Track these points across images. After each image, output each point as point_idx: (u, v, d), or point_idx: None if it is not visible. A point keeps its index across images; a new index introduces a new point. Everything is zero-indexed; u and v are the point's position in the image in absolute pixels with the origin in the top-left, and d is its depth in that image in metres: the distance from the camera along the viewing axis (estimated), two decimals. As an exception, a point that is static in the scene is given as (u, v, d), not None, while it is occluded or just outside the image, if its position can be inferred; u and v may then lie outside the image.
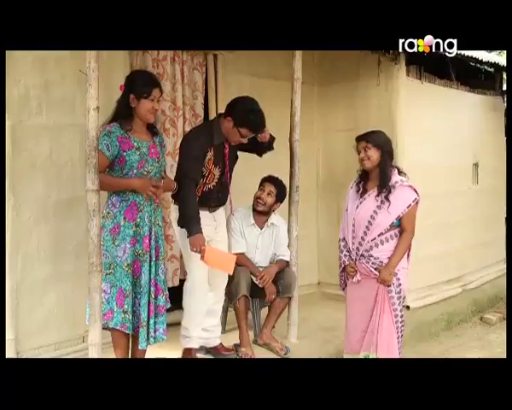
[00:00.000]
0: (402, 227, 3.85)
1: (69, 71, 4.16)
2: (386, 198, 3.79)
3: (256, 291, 4.42)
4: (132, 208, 3.41)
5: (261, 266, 4.54)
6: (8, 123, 3.78)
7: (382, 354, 3.84)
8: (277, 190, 4.54)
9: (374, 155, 3.83)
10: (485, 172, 7.28)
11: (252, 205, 4.59)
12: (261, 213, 4.56)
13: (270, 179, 4.60)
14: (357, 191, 3.99)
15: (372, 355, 3.88)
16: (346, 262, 4.01)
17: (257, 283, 4.39)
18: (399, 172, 3.94)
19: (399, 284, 3.87)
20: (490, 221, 7.52)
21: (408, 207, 3.81)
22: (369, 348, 3.90)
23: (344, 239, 4.06)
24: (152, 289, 3.48)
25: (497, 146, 7.64)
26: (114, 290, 3.38)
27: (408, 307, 5.70)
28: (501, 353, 5.13)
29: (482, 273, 7.19)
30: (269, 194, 4.51)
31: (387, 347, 3.85)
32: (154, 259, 3.50)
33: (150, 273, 3.47)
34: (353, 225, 3.96)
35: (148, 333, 3.45)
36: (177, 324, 4.69)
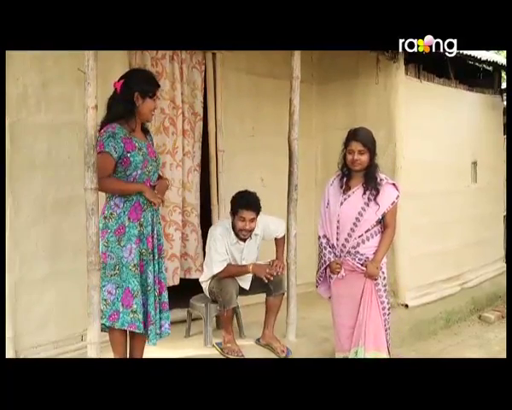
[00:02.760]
0: (385, 224, 3.94)
1: (68, 69, 4.15)
2: (374, 196, 3.87)
3: (241, 291, 4.46)
4: (136, 208, 3.40)
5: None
6: (6, 121, 3.77)
7: (370, 346, 3.88)
8: (256, 211, 4.33)
9: (366, 159, 3.90)
10: (483, 170, 7.29)
11: (231, 224, 4.40)
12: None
13: (246, 206, 4.28)
14: (340, 187, 4.01)
15: (361, 349, 3.91)
16: (332, 259, 4.03)
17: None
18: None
19: (384, 278, 3.98)
20: (489, 219, 7.54)
21: (392, 204, 3.91)
22: (359, 342, 3.93)
23: (325, 236, 4.09)
24: (156, 286, 3.51)
25: (495, 145, 7.67)
26: (120, 291, 3.37)
27: (406, 306, 5.72)
28: (499, 351, 5.14)
29: (481, 272, 7.20)
30: (251, 221, 4.31)
31: (375, 338, 3.89)
32: (156, 257, 3.53)
33: (154, 272, 3.50)
34: (338, 222, 3.99)
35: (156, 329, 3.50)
36: (177, 322, 4.72)
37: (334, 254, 4.02)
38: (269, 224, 4.58)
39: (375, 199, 3.86)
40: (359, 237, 3.91)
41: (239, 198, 4.36)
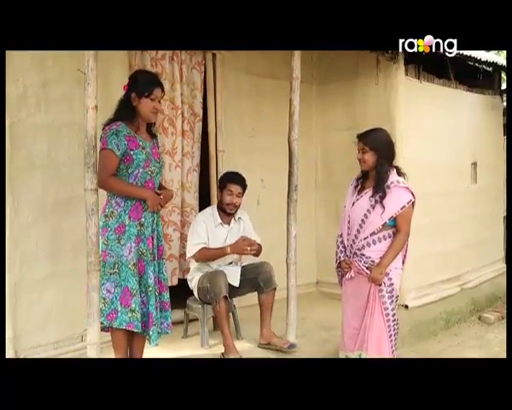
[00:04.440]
0: (397, 228, 3.84)
1: (68, 69, 4.15)
2: (380, 199, 3.79)
3: (232, 291, 4.40)
4: (137, 208, 3.41)
5: (233, 261, 4.57)
6: (6, 121, 3.77)
7: (373, 353, 3.85)
8: (243, 187, 4.54)
9: (370, 158, 3.85)
10: (483, 171, 7.28)
11: (217, 206, 4.60)
12: (223, 211, 4.56)
13: (233, 180, 4.52)
14: (356, 187, 4.02)
15: (364, 354, 3.90)
16: (342, 258, 4.03)
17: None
18: (399, 173, 3.93)
19: (391, 284, 3.87)
20: (488, 220, 7.53)
21: (402, 208, 3.80)
22: (363, 346, 3.92)
23: (341, 235, 4.07)
24: (156, 286, 3.51)
25: (495, 145, 7.67)
26: (119, 290, 3.37)
27: (406, 307, 5.72)
28: (499, 352, 5.14)
29: (481, 272, 7.19)
30: (238, 196, 4.49)
31: (377, 346, 3.87)
32: (157, 258, 3.53)
33: (155, 272, 3.50)
34: (349, 222, 3.98)
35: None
36: (176, 323, 4.71)
37: (345, 253, 4.01)
38: (250, 225, 4.70)
39: (381, 202, 3.78)
40: (364, 239, 3.86)
41: (227, 174, 4.60)
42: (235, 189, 4.47)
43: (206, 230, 4.45)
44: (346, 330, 4.07)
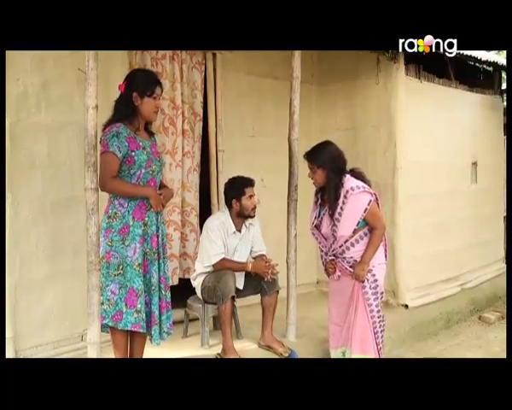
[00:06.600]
0: (370, 226, 3.90)
1: (68, 69, 4.15)
2: (339, 216, 3.85)
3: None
4: (141, 208, 3.39)
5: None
6: (6, 121, 3.77)
7: (356, 350, 3.91)
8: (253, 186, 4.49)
9: (319, 177, 3.94)
10: (483, 171, 7.29)
11: (230, 214, 4.45)
12: (243, 217, 4.48)
13: (247, 183, 4.43)
14: (316, 202, 4.11)
15: (348, 351, 3.96)
16: (328, 259, 4.10)
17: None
18: (356, 175, 3.97)
19: (375, 281, 3.92)
20: (488, 220, 7.53)
21: (365, 211, 3.84)
22: (347, 343, 3.98)
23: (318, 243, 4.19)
24: (162, 285, 3.51)
25: (495, 145, 7.66)
26: (123, 291, 3.35)
27: (406, 306, 5.72)
28: (499, 352, 5.14)
29: (481, 272, 7.19)
30: (254, 196, 4.43)
31: (361, 343, 3.91)
32: (162, 257, 3.52)
33: (159, 271, 3.49)
34: (323, 236, 4.09)
35: (160, 329, 3.49)
36: (176, 322, 4.71)
37: (328, 256, 4.09)
38: (259, 232, 4.63)
39: (340, 217, 3.85)
40: (340, 247, 3.96)
41: (239, 181, 4.45)
42: (252, 191, 4.42)
43: (222, 238, 4.37)
44: (329, 327, 4.18)
